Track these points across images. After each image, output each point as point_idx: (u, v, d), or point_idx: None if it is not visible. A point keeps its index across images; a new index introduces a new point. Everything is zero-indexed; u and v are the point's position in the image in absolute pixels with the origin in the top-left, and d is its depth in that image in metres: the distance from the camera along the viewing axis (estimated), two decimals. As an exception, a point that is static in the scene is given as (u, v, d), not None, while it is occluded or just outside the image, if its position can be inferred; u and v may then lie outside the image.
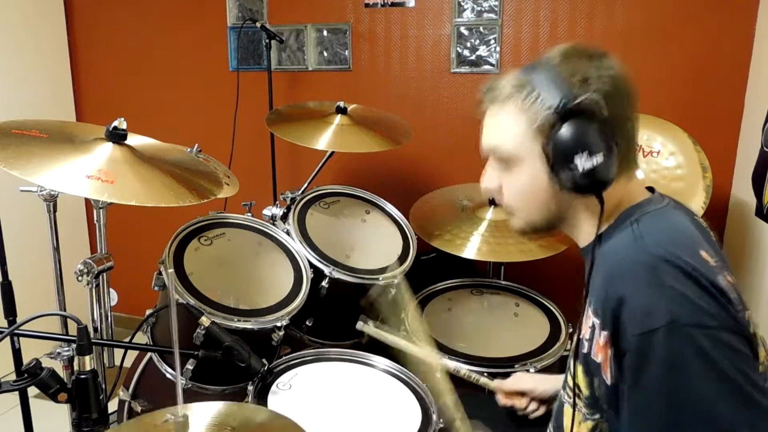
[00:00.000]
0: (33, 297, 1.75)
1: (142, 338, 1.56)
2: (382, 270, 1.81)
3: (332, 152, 2.11)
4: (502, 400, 1.36)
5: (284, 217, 1.83)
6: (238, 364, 1.33)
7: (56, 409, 1.35)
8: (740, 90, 2.09)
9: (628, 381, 0.79)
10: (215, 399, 1.03)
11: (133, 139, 1.37)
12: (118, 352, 1.58)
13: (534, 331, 1.76)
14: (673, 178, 1.76)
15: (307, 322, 1.75)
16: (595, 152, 0.83)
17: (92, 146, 1.26)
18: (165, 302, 1.54)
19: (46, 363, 1.14)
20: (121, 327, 2.21)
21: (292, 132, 1.95)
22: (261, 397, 1.31)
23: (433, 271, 2.06)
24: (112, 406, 1.57)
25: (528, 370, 1.58)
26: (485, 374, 1.47)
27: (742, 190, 2.02)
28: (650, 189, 0.98)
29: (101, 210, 1.55)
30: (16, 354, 1.70)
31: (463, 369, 1.45)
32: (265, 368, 1.34)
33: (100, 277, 1.46)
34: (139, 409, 1.62)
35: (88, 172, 1.17)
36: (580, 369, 0.91)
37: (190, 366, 1.43)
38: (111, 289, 1.56)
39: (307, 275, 1.66)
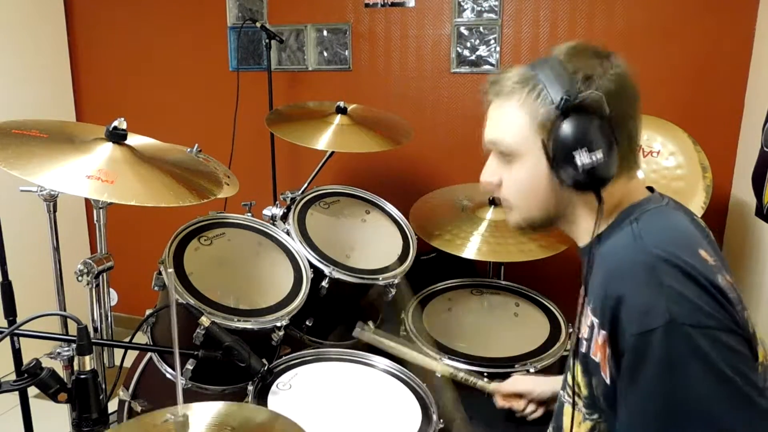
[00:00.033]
0: (33, 297, 1.75)
1: (142, 338, 1.56)
2: (382, 270, 1.81)
3: (332, 152, 2.11)
4: (500, 402, 1.36)
5: (284, 217, 1.83)
6: (238, 364, 1.33)
7: (56, 409, 1.35)
8: (740, 90, 2.09)
9: (626, 380, 0.79)
10: (215, 399, 1.03)
11: (133, 139, 1.37)
12: (118, 352, 1.58)
13: (534, 331, 1.76)
14: (673, 178, 1.76)
15: (307, 322, 1.75)
16: (595, 149, 0.83)
17: (92, 146, 1.26)
18: (165, 302, 1.54)
19: (46, 363, 1.14)
20: (121, 327, 2.21)
21: (292, 132, 1.95)
22: (261, 397, 1.31)
23: (433, 271, 2.06)
24: (112, 406, 1.57)
25: (528, 371, 1.58)
26: (485, 376, 1.47)
27: (742, 190, 2.02)
28: (650, 189, 0.98)
29: (101, 210, 1.55)
30: (16, 354, 1.70)
31: (461, 373, 1.45)
32: (265, 368, 1.34)
33: (100, 277, 1.46)
34: (139, 409, 1.62)
35: (88, 172, 1.17)
36: (579, 368, 0.91)
37: (190, 366, 1.43)
38: (111, 289, 1.56)
39: (307, 275, 1.65)
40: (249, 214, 1.76)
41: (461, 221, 1.94)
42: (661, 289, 0.77)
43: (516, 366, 1.59)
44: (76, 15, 2.98)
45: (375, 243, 1.95)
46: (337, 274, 1.71)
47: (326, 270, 1.70)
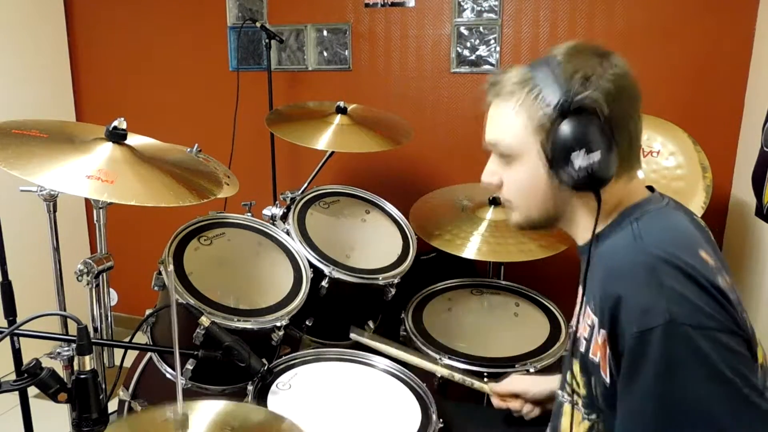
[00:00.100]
0: (33, 297, 1.75)
1: (142, 338, 1.56)
2: (382, 270, 1.81)
3: (332, 152, 2.11)
4: (496, 402, 1.36)
5: (284, 217, 1.83)
6: (238, 364, 1.33)
7: (56, 409, 1.35)
8: (740, 90, 2.09)
9: (625, 380, 0.79)
10: (215, 399, 1.03)
11: (133, 139, 1.37)
12: (118, 352, 1.58)
13: (534, 331, 1.76)
14: (673, 178, 1.76)
15: (307, 322, 1.75)
16: (593, 150, 0.83)
17: (92, 146, 1.26)
18: (165, 302, 1.54)
19: (46, 363, 1.14)
20: (121, 327, 2.21)
21: (292, 132, 1.95)
22: (261, 397, 1.31)
23: (433, 271, 2.06)
24: (112, 406, 1.57)
25: (528, 371, 1.58)
26: (485, 376, 1.47)
27: (742, 190, 2.02)
28: (650, 189, 0.98)
29: (101, 210, 1.55)
30: (16, 354, 1.70)
31: (457, 375, 1.45)
32: (265, 368, 1.34)
33: (100, 277, 1.46)
34: (139, 409, 1.62)
35: (88, 172, 1.17)
36: (577, 367, 0.91)
37: (189, 366, 1.43)
38: (111, 289, 1.56)
39: (306, 275, 1.66)
40: (249, 214, 1.76)
41: (461, 221, 1.94)
42: (661, 289, 0.77)
43: (516, 366, 1.59)
44: (76, 15, 2.98)
45: (375, 243, 1.95)
46: (337, 274, 1.71)
47: (326, 270, 1.70)
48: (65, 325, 1.59)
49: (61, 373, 1.26)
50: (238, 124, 2.68)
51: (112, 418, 1.14)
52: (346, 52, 2.57)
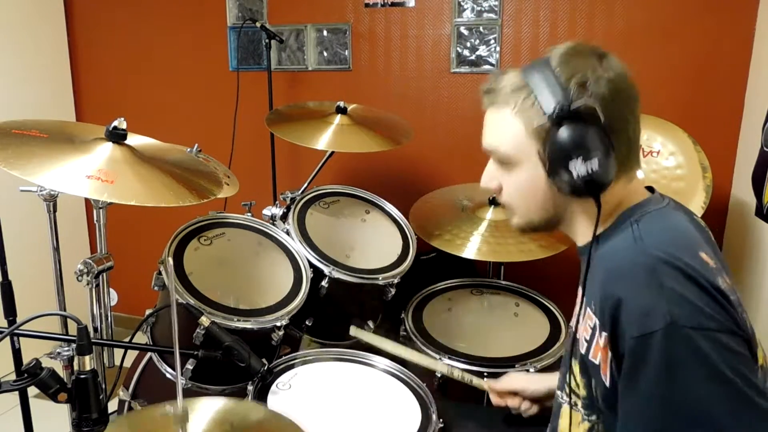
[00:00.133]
0: (33, 297, 1.75)
1: (142, 338, 1.56)
2: (382, 270, 1.81)
3: (332, 152, 2.11)
4: (495, 399, 1.36)
5: (284, 217, 1.83)
6: (238, 364, 1.33)
7: (56, 409, 1.35)
8: (740, 90, 2.09)
9: (626, 383, 0.79)
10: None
11: (133, 139, 1.37)
12: (118, 352, 1.58)
13: (534, 331, 1.76)
14: (673, 178, 1.76)
15: (307, 322, 1.75)
16: (591, 157, 0.83)
17: (92, 146, 1.26)
18: (165, 302, 1.54)
19: (46, 363, 1.13)
20: (121, 327, 2.21)
21: (292, 132, 1.95)
22: (261, 397, 1.31)
23: (433, 271, 2.06)
24: (112, 406, 1.57)
25: (528, 370, 1.58)
26: (485, 375, 1.47)
27: (742, 190, 2.02)
28: (650, 189, 0.98)
29: (101, 210, 1.55)
30: (16, 354, 1.70)
31: (456, 371, 1.45)
32: (265, 368, 1.34)
33: (100, 277, 1.46)
34: (139, 409, 1.62)
35: (88, 172, 1.17)
36: (577, 369, 0.91)
37: (189, 366, 1.43)
38: (111, 289, 1.56)
39: (306, 275, 1.66)
40: (249, 214, 1.76)
41: (461, 221, 1.94)
42: (661, 290, 0.77)
43: (516, 366, 1.59)
44: (76, 15, 2.98)
45: (375, 243, 1.95)
46: (337, 274, 1.71)
47: (326, 270, 1.70)
48: (65, 325, 1.59)
49: (61, 373, 1.25)
50: (238, 124, 2.68)
51: (112, 418, 1.14)
52: (346, 52, 2.57)
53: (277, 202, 2.34)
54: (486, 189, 1.01)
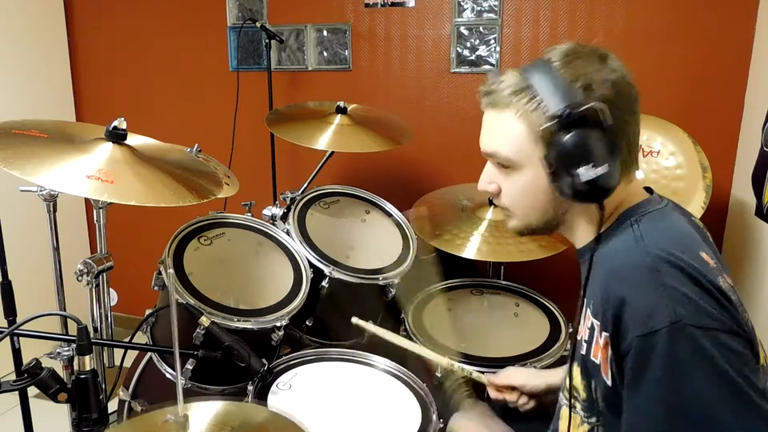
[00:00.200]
0: (33, 297, 1.75)
1: (141, 338, 1.56)
2: (382, 270, 1.81)
3: (332, 152, 2.11)
4: (493, 394, 1.36)
5: (284, 217, 1.83)
6: (238, 364, 1.33)
7: (56, 409, 1.35)
8: (740, 90, 2.09)
9: (629, 383, 0.79)
10: (215, 399, 1.03)
11: (133, 139, 1.37)
12: (118, 352, 1.58)
13: (534, 331, 1.75)
14: (673, 178, 1.76)
15: (307, 322, 1.75)
16: (598, 163, 0.82)
17: (92, 146, 1.26)
18: (165, 302, 1.54)
19: (46, 363, 1.14)
20: (121, 327, 2.21)
21: (292, 132, 1.95)
22: (261, 397, 1.31)
23: (433, 271, 2.06)
24: (112, 406, 1.57)
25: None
26: (484, 374, 1.47)
27: (742, 190, 2.02)
28: (648, 189, 0.98)
29: (101, 210, 1.55)
30: (16, 354, 1.70)
31: (457, 364, 1.45)
32: (265, 368, 1.34)
33: (100, 277, 1.46)
34: (139, 409, 1.62)
35: (88, 172, 1.17)
36: (577, 371, 0.91)
37: (189, 366, 1.43)
38: (111, 289, 1.56)
39: (306, 275, 1.65)
40: (249, 214, 1.76)
41: (461, 221, 1.94)
42: (664, 290, 0.76)
43: (516, 366, 1.59)
44: (76, 15, 2.98)
45: (375, 243, 1.95)
46: (337, 274, 1.71)
47: (326, 270, 1.70)
48: (65, 325, 1.59)
49: (61, 373, 1.25)
50: (238, 124, 2.68)
51: (111, 419, 1.14)
52: (346, 52, 2.57)
53: (277, 202, 2.34)
54: (484, 192, 1.00)
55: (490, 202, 1.96)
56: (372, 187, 2.07)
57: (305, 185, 2.05)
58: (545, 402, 1.30)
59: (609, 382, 0.82)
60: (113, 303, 1.57)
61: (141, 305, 1.95)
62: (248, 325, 1.46)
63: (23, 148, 1.17)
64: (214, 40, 2.76)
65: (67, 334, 1.45)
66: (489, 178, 0.98)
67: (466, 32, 2.38)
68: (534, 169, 0.90)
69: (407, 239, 1.93)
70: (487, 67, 2.38)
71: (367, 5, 2.49)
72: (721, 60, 2.09)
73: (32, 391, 1.24)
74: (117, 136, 1.29)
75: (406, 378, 1.43)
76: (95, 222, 1.56)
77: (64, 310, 1.60)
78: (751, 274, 1.87)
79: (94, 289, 1.45)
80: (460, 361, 1.53)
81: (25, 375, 1.09)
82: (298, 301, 1.58)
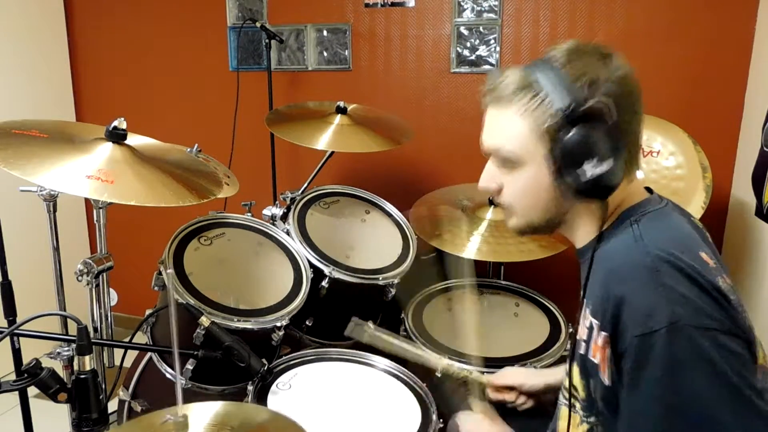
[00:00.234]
0: (33, 297, 1.75)
1: (142, 338, 1.56)
2: (382, 270, 1.81)
3: (332, 152, 2.11)
4: (492, 394, 1.36)
5: (284, 217, 1.83)
6: (238, 364, 1.33)
7: (56, 409, 1.35)
8: (740, 90, 2.09)
9: (627, 382, 0.79)
10: (215, 399, 1.03)
11: (133, 139, 1.37)
12: (118, 352, 1.58)
13: (534, 331, 1.75)
14: (673, 178, 1.76)
15: (307, 322, 1.75)
16: (603, 159, 0.82)
17: (92, 146, 1.26)
18: (165, 302, 1.54)
19: (46, 363, 1.14)
20: (121, 327, 2.21)
21: (292, 132, 1.95)
22: (261, 397, 1.31)
23: (433, 271, 2.06)
24: (112, 406, 1.57)
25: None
26: (484, 374, 1.47)
27: (742, 190, 2.02)
28: (648, 190, 0.98)
29: (101, 210, 1.55)
30: (16, 354, 1.70)
31: (456, 365, 1.46)
32: (265, 368, 1.34)
33: (100, 277, 1.46)
34: (139, 409, 1.62)
35: (88, 172, 1.17)
36: (576, 370, 0.91)
37: (189, 366, 1.43)
38: (111, 289, 1.56)
39: (307, 275, 1.65)
40: (249, 214, 1.76)
41: (461, 221, 1.94)
42: (663, 290, 0.76)
43: (516, 366, 1.59)
44: (76, 15, 2.98)
45: (375, 243, 1.95)
46: (337, 274, 1.71)
47: (326, 270, 1.70)
48: (65, 325, 1.59)
49: (61, 373, 1.25)
50: (238, 124, 2.68)
51: (111, 419, 1.14)
52: (346, 52, 2.57)
53: (277, 202, 2.34)
54: (485, 189, 0.99)
55: (490, 202, 1.96)
56: (372, 187, 2.07)
57: (305, 185, 2.05)
58: (544, 401, 1.30)
59: (608, 382, 0.82)
60: (113, 303, 1.57)
61: (141, 305, 1.95)
62: (248, 325, 1.46)
63: (23, 148, 1.17)
64: (214, 40, 2.75)
65: (67, 334, 1.45)
66: (490, 176, 0.98)
67: (466, 32, 2.38)
68: (536, 167, 0.90)
69: (407, 239, 1.93)
70: (487, 67, 2.38)
71: (367, 5, 2.49)
72: (721, 60, 2.09)
73: (32, 391, 1.24)
74: (117, 136, 1.29)
75: (406, 378, 1.43)
76: (95, 222, 1.56)
77: (64, 310, 1.60)
78: (751, 274, 1.87)
79: (94, 289, 1.45)
80: (459, 361, 1.53)
81: (25, 375, 1.09)
82: (298, 301, 1.58)
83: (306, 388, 1.37)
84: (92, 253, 1.45)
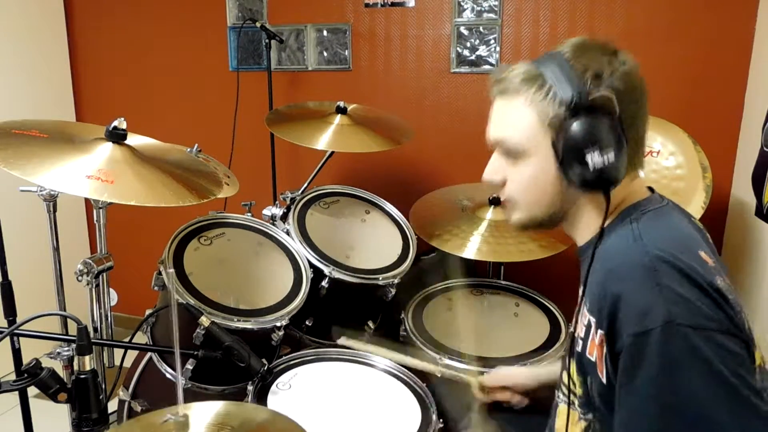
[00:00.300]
0: (33, 297, 1.75)
1: (142, 338, 1.56)
2: (382, 270, 1.81)
3: (332, 152, 2.11)
4: (483, 397, 1.37)
5: (284, 217, 1.83)
6: (238, 364, 1.33)
7: (56, 409, 1.35)
8: (740, 90, 2.09)
9: (623, 381, 0.79)
10: (215, 399, 1.03)
11: (133, 139, 1.37)
12: (118, 352, 1.58)
13: (534, 331, 1.75)
14: (673, 178, 1.76)
15: (307, 322, 1.75)
16: (606, 150, 0.83)
17: (92, 146, 1.26)
18: (165, 302, 1.54)
19: (46, 363, 1.14)
20: (121, 327, 2.21)
21: (292, 132, 1.95)
22: (261, 397, 1.31)
23: (433, 271, 2.06)
24: (112, 406, 1.57)
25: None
26: (483, 375, 1.47)
27: (742, 190, 2.02)
28: (650, 190, 0.98)
29: (101, 210, 1.55)
30: (16, 354, 1.70)
31: (447, 371, 1.46)
32: (265, 368, 1.34)
33: (100, 277, 1.46)
34: (139, 409, 1.62)
35: (88, 172, 1.17)
36: (574, 367, 0.91)
37: (189, 366, 1.43)
38: (111, 289, 1.56)
39: (306, 275, 1.66)
40: (249, 214, 1.76)
41: (461, 221, 1.94)
42: (660, 289, 0.76)
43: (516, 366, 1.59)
44: (76, 15, 2.98)
45: (375, 243, 1.95)
46: (337, 274, 1.71)
47: (326, 270, 1.70)
48: (65, 325, 1.59)
49: (61, 373, 1.26)
50: (238, 124, 2.68)
51: (111, 419, 1.14)
52: (346, 52, 2.57)
53: (277, 202, 2.34)
54: (490, 182, 0.99)
55: (490, 202, 1.96)
56: (372, 187, 2.07)
57: (305, 185, 2.05)
58: (540, 396, 1.31)
59: (604, 380, 0.82)
60: (113, 303, 1.57)
61: (141, 305, 1.95)
62: (248, 325, 1.46)
63: (23, 148, 1.17)
64: (214, 40, 2.76)
65: (67, 334, 1.45)
66: (495, 169, 0.98)
67: (466, 32, 2.38)
68: (542, 158, 0.90)
69: (407, 239, 1.94)
70: (487, 67, 2.38)
71: (367, 5, 2.49)
72: (721, 60, 2.09)
73: (32, 391, 1.24)
74: (117, 136, 1.29)
75: (406, 378, 1.43)
76: (95, 222, 1.56)
77: (64, 310, 1.60)
78: (751, 274, 1.87)
79: (94, 289, 1.45)
80: (449, 365, 1.53)
81: (25, 375, 1.09)
82: (298, 301, 1.58)
83: (306, 388, 1.37)
84: (92, 253, 1.45)
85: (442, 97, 2.48)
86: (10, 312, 1.68)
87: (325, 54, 2.60)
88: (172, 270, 1.45)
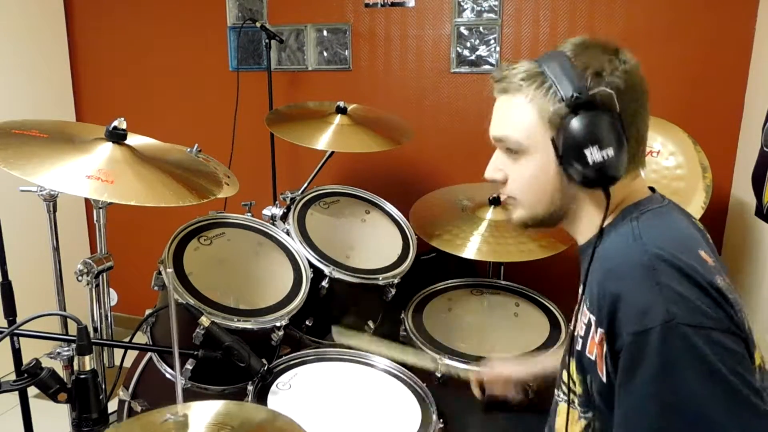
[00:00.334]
0: (33, 297, 1.75)
1: (141, 338, 1.56)
2: (382, 270, 1.81)
3: (332, 152, 2.11)
4: (477, 391, 1.38)
5: (284, 217, 1.83)
6: (238, 364, 1.33)
7: (56, 409, 1.35)
8: (740, 90, 2.09)
9: (623, 380, 0.79)
10: (215, 399, 1.03)
11: (133, 139, 1.37)
12: (118, 352, 1.58)
13: (534, 331, 1.75)
14: (673, 178, 1.76)
15: (307, 322, 1.75)
16: (606, 146, 0.83)
17: (92, 146, 1.26)
18: (165, 302, 1.54)
19: (46, 363, 1.14)
20: (121, 327, 2.21)
21: (292, 132, 1.95)
22: (261, 397, 1.31)
23: (433, 271, 2.06)
24: (112, 406, 1.57)
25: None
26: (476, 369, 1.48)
27: (742, 190, 2.02)
28: (651, 189, 0.98)
29: (101, 210, 1.55)
30: (16, 354, 1.70)
31: (442, 368, 1.46)
32: (265, 368, 1.34)
33: (100, 277, 1.46)
34: (139, 409, 1.62)
35: (88, 172, 1.17)
36: (573, 366, 0.91)
37: (189, 366, 1.43)
38: (111, 289, 1.56)
39: (306, 275, 1.66)
40: (249, 214, 1.76)
41: (461, 221, 1.94)
42: (659, 288, 0.76)
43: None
44: (76, 15, 2.98)
45: (375, 243, 1.95)
46: (337, 274, 1.71)
47: (326, 270, 1.70)
48: (65, 325, 1.59)
49: (61, 373, 1.26)
50: (238, 124, 2.68)
51: (111, 419, 1.14)
52: (346, 52, 2.57)
53: (277, 202, 2.34)
54: (491, 180, 0.99)
55: (490, 202, 1.96)
56: (372, 187, 2.07)
57: (305, 185, 2.05)
58: (541, 388, 1.31)
59: (604, 379, 0.82)
60: (113, 303, 1.57)
61: (141, 305, 1.95)
62: (248, 325, 1.46)
63: (23, 148, 1.17)
64: (214, 40, 2.76)
65: (67, 334, 1.45)
66: (496, 166, 0.99)
67: (466, 32, 2.38)
68: (543, 155, 0.91)
69: (407, 239, 1.94)
70: (487, 67, 2.38)
71: (367, 5, 2.49)
72: (721, 60, 2.09)
73: (32, 391, 1.24)
74: (117, 136, 1.29)
75: (406, 378, 1.43)
76: (95, 222, 1.56)
77: (64, 310, 1.60)
78: (751, 274, 1.87)
79: (94, 289, 1.45)
80: (449, 365, 1.54)
81: (25, 375, 1.09)
82: (298, 301, 1.58)
83: (306, 388, 1.37)
84: (92, 253, 1.45)
85: (442, 97, 2.48)
86: (10, 312, 1.68)
87: (325, 54, 2.60)
88: (171, 270, 1.45)
